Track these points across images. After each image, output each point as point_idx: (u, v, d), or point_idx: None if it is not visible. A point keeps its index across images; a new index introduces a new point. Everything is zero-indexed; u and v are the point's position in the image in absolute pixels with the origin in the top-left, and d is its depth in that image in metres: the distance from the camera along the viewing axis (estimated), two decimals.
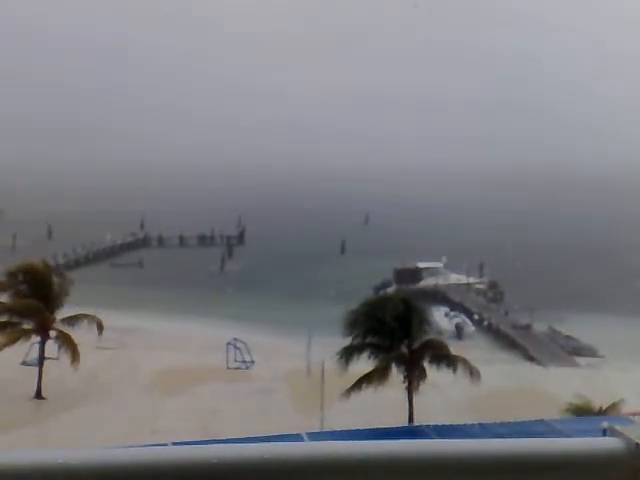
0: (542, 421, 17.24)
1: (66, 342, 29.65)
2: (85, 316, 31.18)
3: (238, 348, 36.92)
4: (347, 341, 26.61)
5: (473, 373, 25.95)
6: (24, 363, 32.19)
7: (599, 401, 25.65)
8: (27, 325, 30.52)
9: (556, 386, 33.29)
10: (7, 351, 29.10)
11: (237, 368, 36.20)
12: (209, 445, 1.38)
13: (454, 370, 26.24)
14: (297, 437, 14.21)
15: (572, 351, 43.36)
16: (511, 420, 17.95)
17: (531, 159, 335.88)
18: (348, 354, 26.15)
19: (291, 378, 34.13)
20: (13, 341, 29.37)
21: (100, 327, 30.85)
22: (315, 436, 15.94)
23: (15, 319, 30.43)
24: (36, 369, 30.82)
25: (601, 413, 24.21)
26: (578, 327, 46.65)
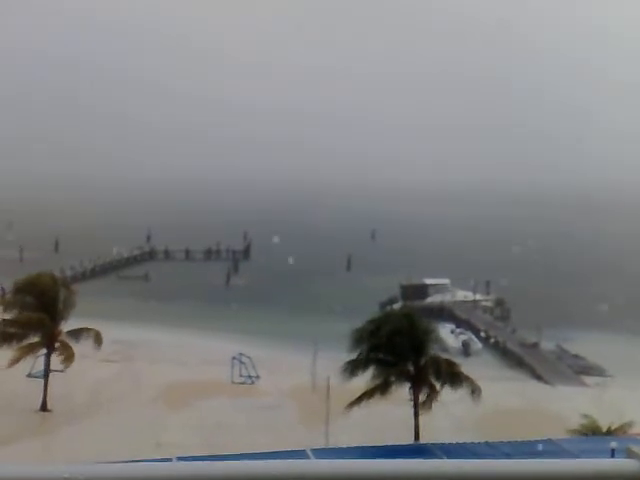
0: (549, 440, 17.09)
1: (64, 352, 29.71)
2: (87, 330, 31.21)
3: (243, 363, 36.82)
4: (352, 356, 26.49)
5: (475, 391, 25.74)
6: (30, 375, 32.20)
7: (607, 421, 25.35)
8: (34, 338, 30.61)
9: (564, 406, 32.95)
10: (10, 358, 29.17)
11: (242, 383, 36.07)
12: (213, 462, 1.38)
13: (460, 388, 26.05)
14: (301, 453, 14.13)
15: (580, 370, 42.95)
16: (518, 439, 17.78)
17: (532, 178, 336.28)
18: (353, 368, 26.05)
19: (296, 393, 33.96)
20: (24, 354, 29.51)
21: (99, 341, 30.81)
22: (320, 452, 15.84)
23: (21, 331, 30.53)
24: (42, 381, 30.83)
25: (609, 433, 23.92)
26: (584, 345, 46.30)
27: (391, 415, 27.71)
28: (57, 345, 30.55)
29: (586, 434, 24.23)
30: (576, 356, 45.54)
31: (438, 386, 26.00)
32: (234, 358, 36.60)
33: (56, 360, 30.55)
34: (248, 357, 37.23)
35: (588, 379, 41.19)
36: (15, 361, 29.06)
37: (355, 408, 25.54)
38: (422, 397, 25.99)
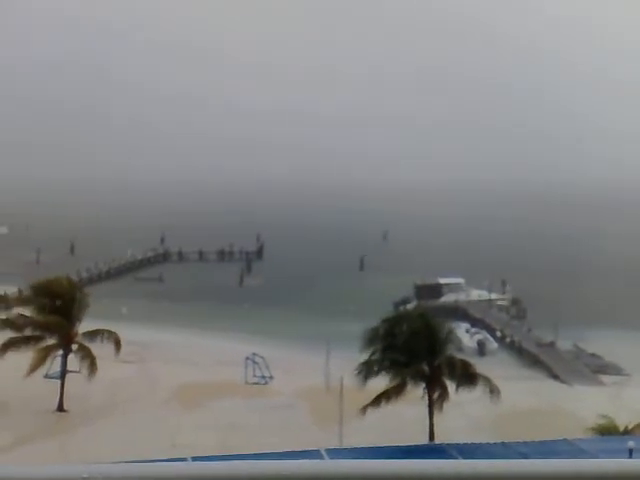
0: (566, 440, 16.95)
1: (85, 355, 29.97)
2: (105, 331, 31.50)
3: (257, 363, 36.89)
4: (366, 356, 26.42)
5: (493, 392, 25.55)
6: (47, 376, 32.50)
7: (625, 421, 25.09)
8: (50, 339, 30.90)
9: (581, 405, 32.66)
10: (29, 364, 29.43)
11: (256, 383, 36.14)
12: (228, 462, 1.39)
13: (476, 388, 25.89)
14: (316, 453, 14.13)
15: (597, 369, 42.55)
16: (535, 439, 17.65)
17: (532, 178, 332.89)
18: (367, 369, 25.96)
19: (310, 394, 33.96)
20: (42, 359, 29.76)
21: (118, 344, 31.07)
22: (334, 453, 15.83)
23: (39, 333, 30.83)
24: (58, 382, 31.11)
25: (627, 433, 23.68)
26: (601, 344, 45.83)
27: (405, 415, 27.62)
28: (75, 347, 30.82)
29: (603, 434, 23.99)
30: (593, 355, 45.10)
31: (453, 386, 25.87)
32: (247, 358, 36.67)
33: (75, 361, 30.82)
34: (262, 357, 37.29)
35: (605, 378, 40.80)
36: (34, 368, 29.25)
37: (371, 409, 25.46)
38: (438, 399, 25.85)
